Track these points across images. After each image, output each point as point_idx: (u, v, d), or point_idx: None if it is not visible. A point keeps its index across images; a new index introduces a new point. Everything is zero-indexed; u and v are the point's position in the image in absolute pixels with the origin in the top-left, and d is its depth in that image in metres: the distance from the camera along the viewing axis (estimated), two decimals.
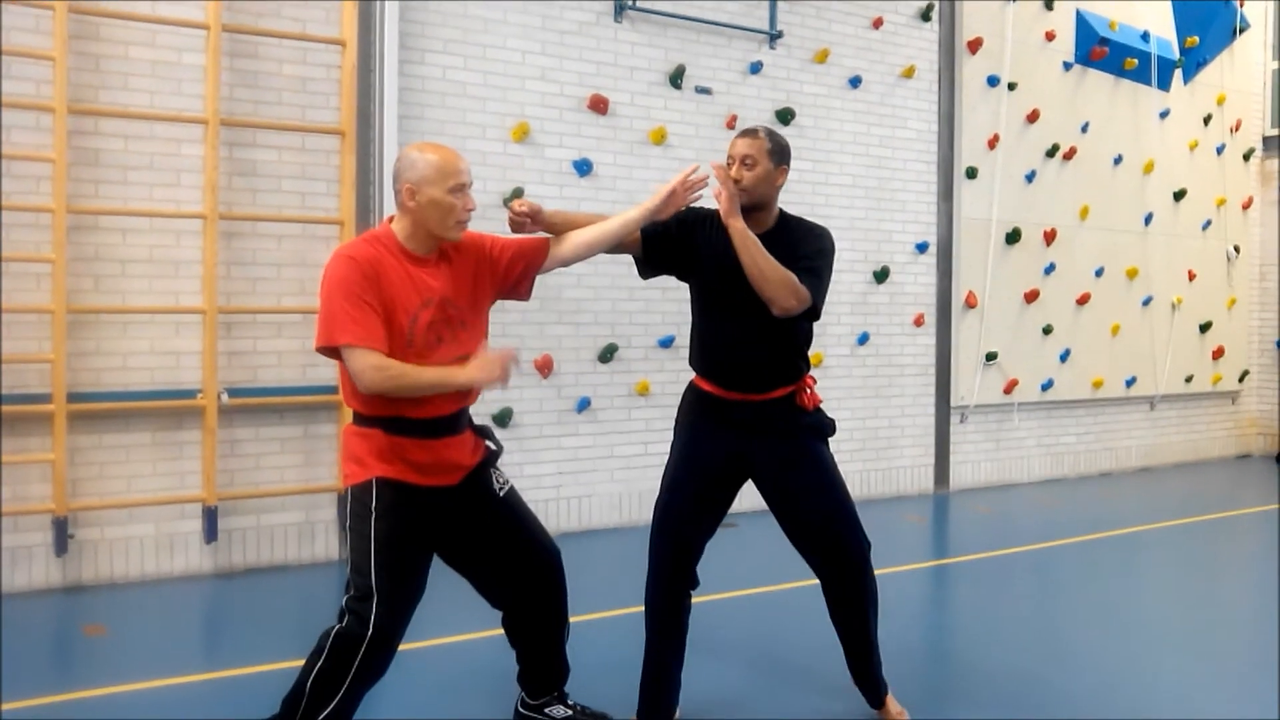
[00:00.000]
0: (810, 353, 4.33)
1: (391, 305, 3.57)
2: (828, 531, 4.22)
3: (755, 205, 4.11)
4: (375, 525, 3.60)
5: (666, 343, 8.26)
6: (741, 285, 3.94)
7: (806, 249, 4.10)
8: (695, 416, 4.30)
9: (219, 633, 5.95)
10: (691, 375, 4.36)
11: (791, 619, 5.77)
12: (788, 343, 4.17)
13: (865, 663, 4.40)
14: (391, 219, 3.75)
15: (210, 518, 6.57)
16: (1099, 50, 10.83)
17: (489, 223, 7.50)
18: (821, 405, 4.31)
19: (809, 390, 4.24)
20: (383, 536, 3.59)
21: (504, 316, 7.58)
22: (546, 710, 4.20)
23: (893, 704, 4.44)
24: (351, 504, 3.65)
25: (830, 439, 4.32)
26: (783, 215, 4.24)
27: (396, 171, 3.67)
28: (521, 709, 4.25)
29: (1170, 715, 4.59)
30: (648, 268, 4.32)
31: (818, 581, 4.32)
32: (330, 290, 3.52)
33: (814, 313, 4.08)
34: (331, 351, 3.55)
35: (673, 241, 4.21)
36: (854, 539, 4.24)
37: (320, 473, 7.01)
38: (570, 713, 4.22)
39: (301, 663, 3.65)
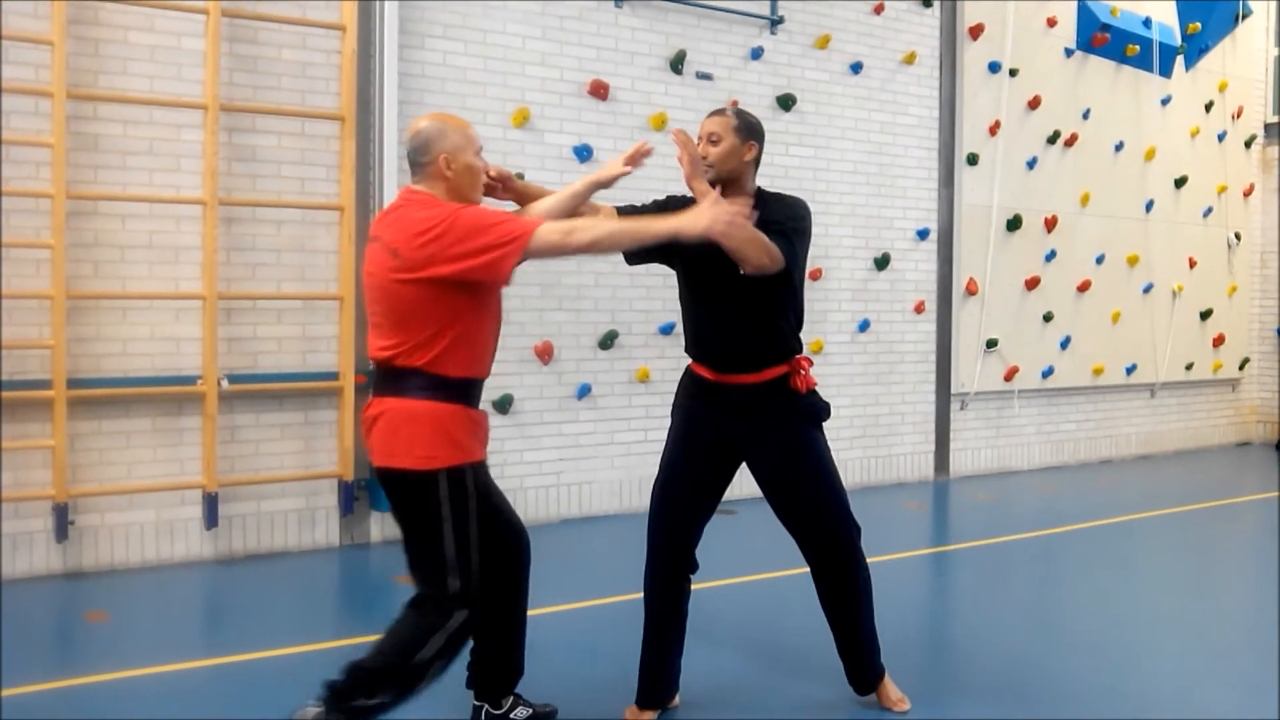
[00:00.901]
0: (810, 339, 4.32)
1: None
2: (816, 519, 4.23)
3: (725, 179, 4.11)
4: (474, 509, 3.63)
5: (667, 329, 8.25)
6: (724, 265, 3.92)
7: (778, 214, 4.06)
8: (689, 401, 4.30)
9: (220, 618, 5.95)
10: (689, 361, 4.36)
11: (791, 605, 5.76)
12: (775, 321, 4.15)
13: (854, 649, 4.40)
14: (414, 191, 3.69)
15: (210, 504, 6.57)
16: (1100, 37, 10.81)
17: (489, 208, 7.50)
18: (816, 387, 4.29)
19: (803, 372, 4.21)
20: (478, 521, 3.65)
21: (505, 304, 7.52)
22: (512, 716, 4.05)
23: (891, 689, 4.44)
24: (449, 488, 3.58)
25: (826, 423, 4.31)
26: (760, 191, 4.22)
27: (424, 143, 3.67)
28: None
29: (1170, 703, 4.59)
30: (633, 256, 4.32)
31: (801, 572, 4.32)
32: (480, 222, 3.50)
33: (787, 274, 4.01)
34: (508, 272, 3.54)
35: None
36: (842, 526, 4.24)
37: (320, 459, 7.00)
38: (533, 710, 4.10)
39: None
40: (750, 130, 4.16)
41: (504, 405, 7.60)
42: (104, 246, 6.36)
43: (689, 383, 4.32)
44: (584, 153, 7.90)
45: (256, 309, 6.81)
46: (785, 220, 4.05)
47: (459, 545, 3.60)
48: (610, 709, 4.31)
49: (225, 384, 6.56)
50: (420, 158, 3.68)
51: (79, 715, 4.31)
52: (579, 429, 8.01)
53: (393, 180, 7.06)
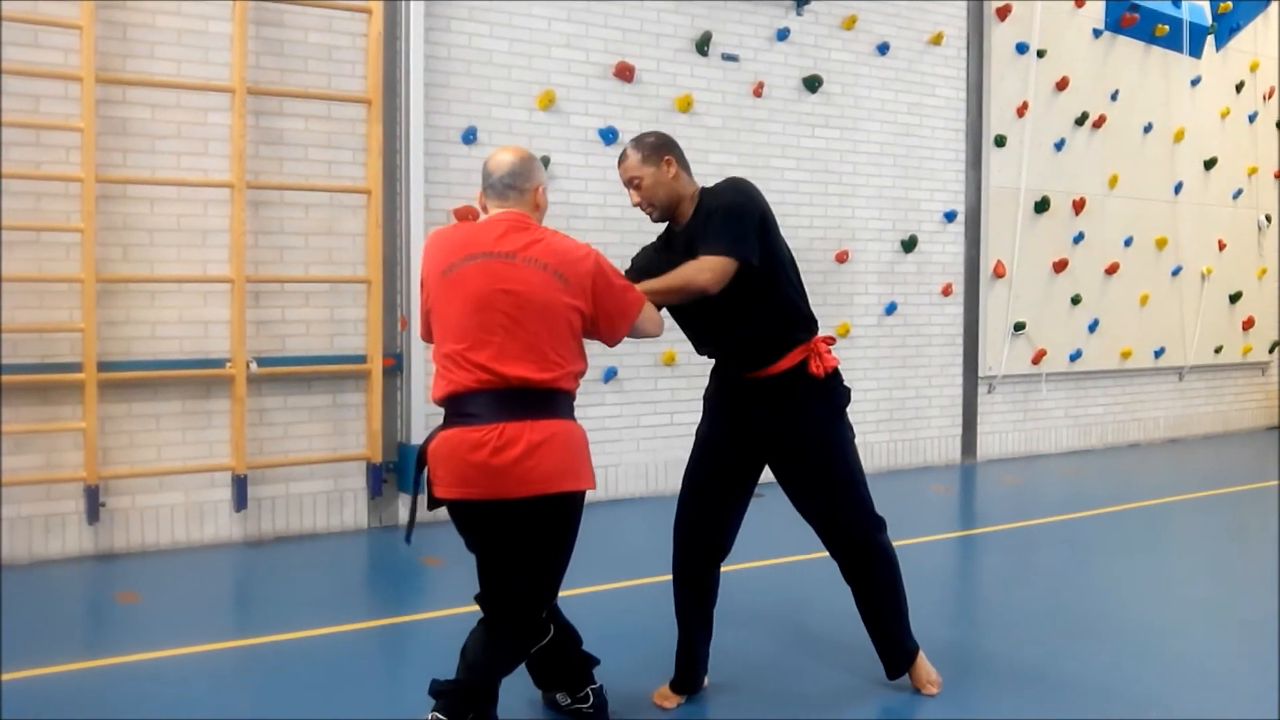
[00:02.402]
0: (837, 322, 4.32)
1: None
2: (834, 518, 4.24)
3: (669, 206, 4.10)
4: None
5: None
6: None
7: (709, 214, 4.00)
8: (717, 394, 4.32)
9: (249, 600, 5.99)
10: None
11: (819, 588, 5.76)
12: (768, 315, 4.09)
13: (883, 635, 4.40)
14: (524, 215, 3.71)
15: (240, 486, 6.60)
16: (1129, 17, 10.71)
17: None
18: (838, 367, 4.22)
19: (821, 355, 4.14)
20: None
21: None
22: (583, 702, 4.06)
23: (924, 670, 4.43)
24: (577, 511, 3.69)
25: (850, 407, 4.29)
26: (700, 195, 4.14)
27: (525, 171, 3.74)
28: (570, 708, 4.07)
29: (1196, 689, 4.57)
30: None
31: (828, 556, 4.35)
32: (612, 272, 3.74)
33: (747, 264, 3.94)
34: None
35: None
36: (860, 522, 4.24)
37: (348, 441, 7.03)
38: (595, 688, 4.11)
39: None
40: (655, 149, 4.07)
41: None
42: (133, 230, 6.39)
43: (716, 377, 4.35)
44: (610, 135, 7.88)
45: (284, 292, 6.84)
46: (715, 214, 3.98)
47: (560, 567, 3.74)
48: (636, 690, 4.32)
49: (254, 367, 6.59)
50: (521, 183, 3.73)
51: (110, 695, 4.34)
52: (605, 412, 8.02)
53: (419, 164, 7.07)
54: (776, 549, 6.45)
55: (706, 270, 3.89)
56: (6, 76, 5.98)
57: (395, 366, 7.14)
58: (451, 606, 5.49)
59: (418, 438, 7.11)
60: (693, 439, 4.38)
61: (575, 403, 3.70)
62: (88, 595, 5.87)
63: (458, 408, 3.56)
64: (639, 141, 4.11)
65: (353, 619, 5.31)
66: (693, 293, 3.91)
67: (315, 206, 6.90)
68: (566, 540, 3.69)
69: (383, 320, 7.00)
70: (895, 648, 4.41)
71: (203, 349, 6.58)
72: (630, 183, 4.08)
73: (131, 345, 6.40)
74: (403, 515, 7.26)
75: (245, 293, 6.58)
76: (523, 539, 3.61)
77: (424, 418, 7.16)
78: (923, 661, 4.45)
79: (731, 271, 3.90)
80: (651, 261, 4.18)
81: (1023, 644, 5.02)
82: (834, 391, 4.20)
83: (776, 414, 4.14)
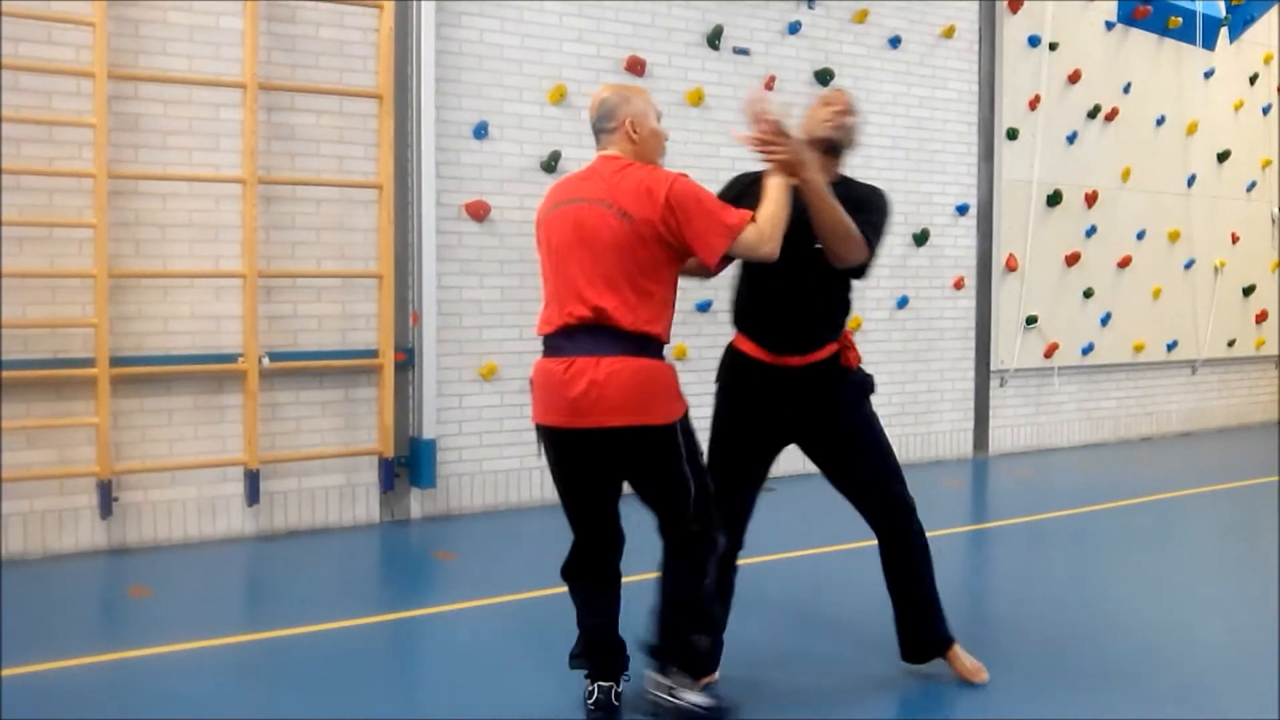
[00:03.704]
0: (850, 315, 4.34)
1: None
2: (880, 489, 4.29)
3: (837, 149, 4.21)
4: (697, 448, 3.92)
5: (704, 307, 8.23)
6: (791, 242, 3.89)
7: (863, 204, 4.10)
8: (736, 383, 4.31)
9: (261, 594, 6.01)
10: (731, 337, 4.36)
11: (832, 580, 5.77)
12: (835, 299, 4.20)
13: (917, 615, 4.42)
14: (610, 157, 3.90)
15: (252, 480, 6.62)
16: (1142, 9, 10.66)
17: (527, 185, 7.52)
18: (862, 363, 4.33)
19: (851, 348, 4.27)
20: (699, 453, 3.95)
21: (537, 280, 7.55)
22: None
23: (966, 659, 4.45)
24: (683, 434, 3.84)
25: (871, 397, 4.35)
26: (843, 179, 4.26)
27: (609, 109, 3.90)
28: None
29: (1210, 681, 4.56)
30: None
31: (854, 546, 4.35)
32: (699, 194, 3.75)
33: (863, 270, 4.15)
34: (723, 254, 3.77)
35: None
36: (903, 492, 4.32)
37: (360, 436, 7.04)
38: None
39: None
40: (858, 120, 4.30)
41: None
42: (145, 225, 6.40)
43: (735, 363, 4.32)
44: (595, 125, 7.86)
45: (296, 287, 6.84)
46: (874, 212, 4.12)
47: (697, 483, 3.89)
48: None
49: (266, 361, 6.60)
50: (606, 123, 3.91)
51: (123, 689, 4.36)
52: None
53: (430, 158, 7.07)
54: (785, 544, 6.45)
55: (857, 246, 3.97)
56: (20, 73, 5.99)
57: (407, 361, 7.15)
58: (464, 600, 5.51)
59: (429, 432, 7.13)
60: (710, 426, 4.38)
61: (658, 341, 3.83)
62: (100, 590, 5.90)
63: (548, 341, 3.87)
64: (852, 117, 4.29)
65: (365, 613, 5.33)
66: (844, 242, 3.94)
67: (327, 201, 6.91)
68: (655, 470, 3.82)
69: (394, 315, 7.01)
70: (929, 628, 4.43)
71: (215, 344, 6.59)
72: (847, 109, 4.23)
73: (144, 340, 6.41)
74: (414, 509, 7.27)
75: (257, 288, 6.59)
76: (605, 469, 3.88)
77: (435, 412, 7.17)
78: (961, 650, 4.46)
79: (858, 261, 4.05)
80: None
81: (1035, 638, 5.02)
82: (863, 378, 4.32)
83: (813, 395, 4.20)
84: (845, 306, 4.28)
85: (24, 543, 6.13)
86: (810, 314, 4.16)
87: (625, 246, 3.71)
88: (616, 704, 4.02)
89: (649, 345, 3.78)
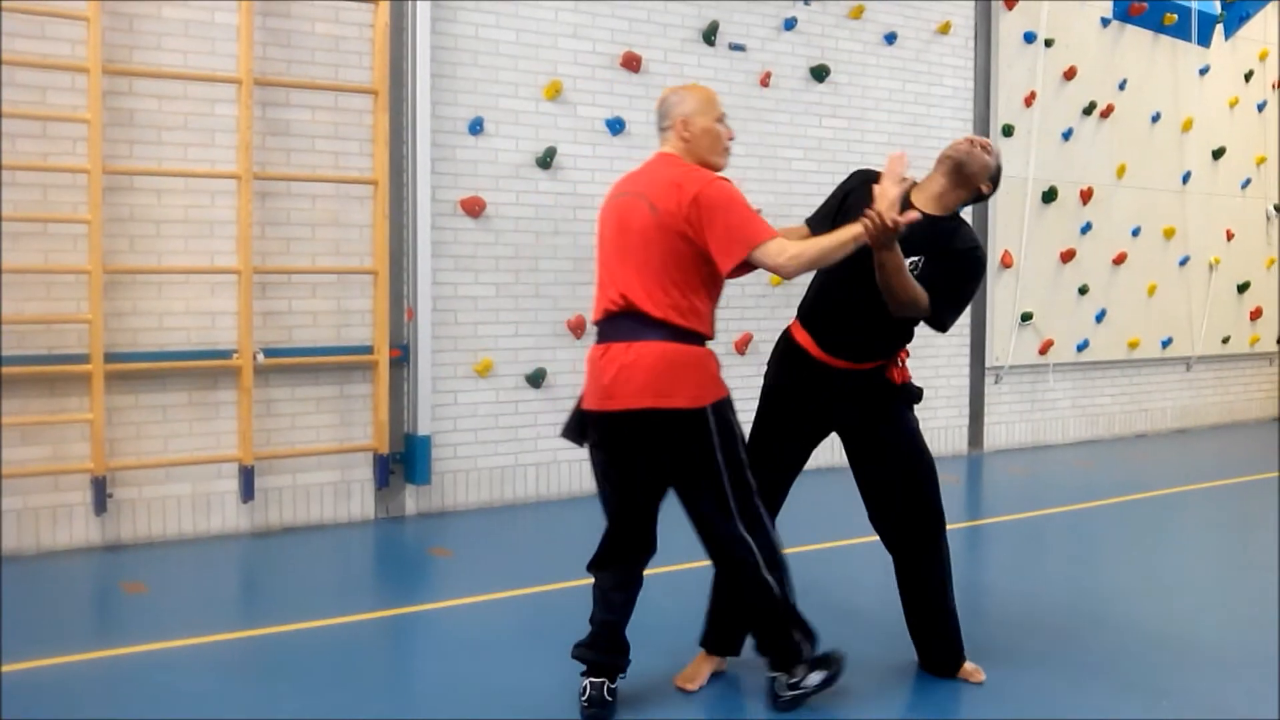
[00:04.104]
0: (909, 342, 4.36)
1: None
2: (909, 489, 4.30)
3: (963, 177, 4.21)
4: (740, 434, 3.94)
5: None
6: (869, 259, 3.92)
7: (962, 268, 4.17)
8: (783, 369, 4.37)
9: (256, 590, 6.01)
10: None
11: (850, 573, 5.77)
12: (896, 324, 4.19)
13: (931, 634, 4.45)
14: (663, 154, 4.01)
15: (247, 477, 6.61)
16: (1138, 6, 10.66)
17: (522, 181, 7.52)
18: (910, 379, 4.37)
19: (900, 364, 4.31)
20: (743, 442, 3.97)
21: (538, 278, 7.57)
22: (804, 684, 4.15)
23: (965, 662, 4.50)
24: (716, 421, 3.85)
25: (916, 405, 4.40)
26: (958, 226, 4.27)
27: (665, 109, 4.02)
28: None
29: (1206, 677, 4.57)
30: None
31: (864, 541, 4.36)
32: (731, 201, 3.80)
33: (940, 327, 4.23)
34: (742, 263, 3.80)
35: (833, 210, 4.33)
36: (933, 499, 4.33)
37: (355, 432, 7.04)
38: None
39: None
40: (998, 175, 4.27)
41: (537, 379, 7.61)
42: (140, 221, 6.39)
43: (787, 349, 4.37)
44: (616, 125, 7.87)
45: (291, 283, 6.83)
46: (958, 283, 4.15)
47: (736, 471, 3.92)
48: (660, 673, 4.33)
49: (261, 358, 6.59)
50: (662, 122, 4.03)
51: (118, 685, 4.35)
52: None
53: (426, 154, 7.06)
54: (805, 536, 6.44)
55: (918, 313, 4.06)
56: (14, 68, 5.98)
57: (402, 358, 7.14)
58: (459, 597, 5.52)
59: (425, 429, 7.12)
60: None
61: (690, 330, 3.84)
62: (95, 586, 5.89)
63: (598, 328, 4.00)
64: (999, 162, 4.29)
65: (360, 610, 5.32)
66: (906, 308, 4.02)
67: (322, 197, 6.90)
68: (684, 454, 3.86)
69: (389, 311, 7.00)
70: (943, 647, 4.46)
71: (210, 340, 6.58)
72: (983, 145, 4.22)
73: (138, 336, 6.40)
74: (409, 506, 7.27)
75: (252, 283, 6.57)
76: (636, 455, 3.95)
77: (431, 408, 7.17)
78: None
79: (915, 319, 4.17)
80: (866, 205, 4.09)
81: (1030, 635, 5.03)
82: (908, 390, 4.34)
83: (858, 400, 4.27)
84: (904, 335, 4.29)
85: (18, 539, 6.12)
86: (867, 331, 4.19)
87: (653, 238, 3.80)
88: (610, 699, 4.03)
89: (681, 333, 3.82)
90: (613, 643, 4.07)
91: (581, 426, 4.10)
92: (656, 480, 4.00)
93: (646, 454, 3.92)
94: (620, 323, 3.87)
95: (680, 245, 3.79)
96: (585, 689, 4.02)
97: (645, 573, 4.13)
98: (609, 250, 3.95)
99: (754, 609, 4.00)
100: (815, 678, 4.05)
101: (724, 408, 3.89)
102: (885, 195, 3.78)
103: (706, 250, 3.79)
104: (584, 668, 4.07)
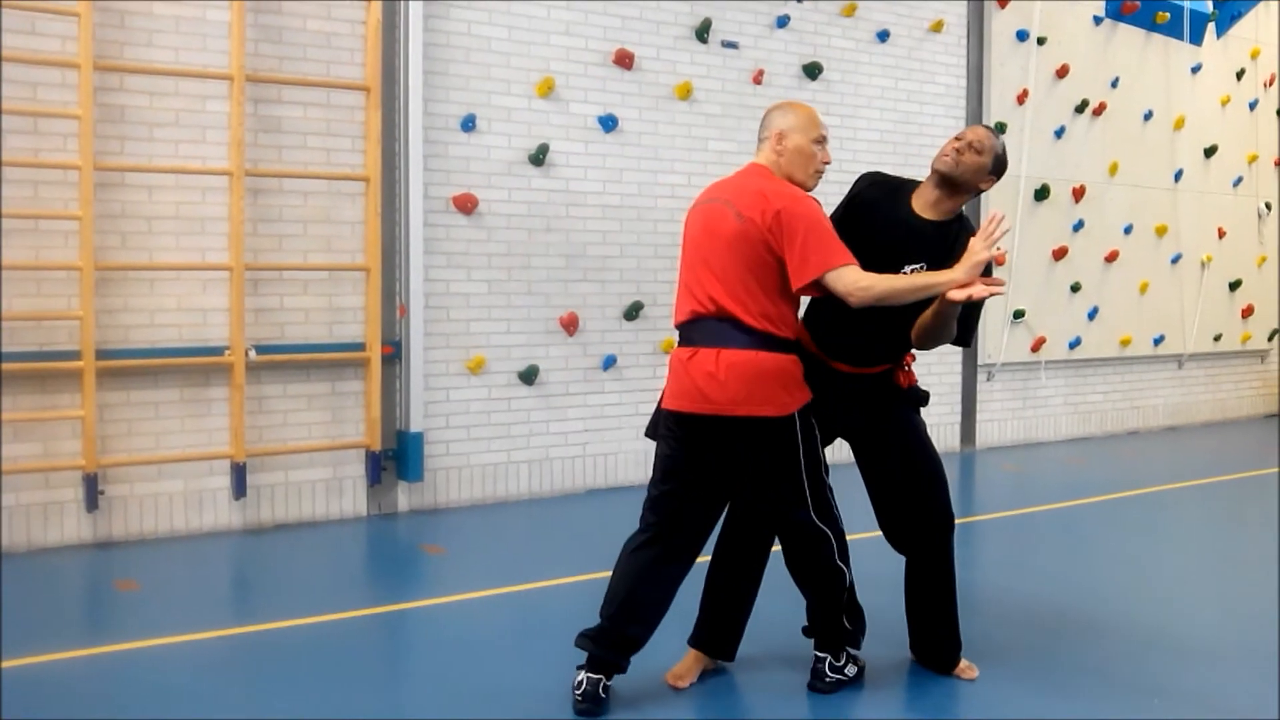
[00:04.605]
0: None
1: None
2: (915, 487, 4.31)
3: (952, 181, 4.15)
4: (817, 450, 4.06)
5: None
6: (881, 266, 3.94)
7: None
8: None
9: (248, 588, 6.00)
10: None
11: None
12: (903, 333, 4.20)
13: (933, 634, 4.47)
14: (756, 165, 4.10)
15: (239, 474, 6.60)
16: (1130, 4, 10.67)
17: (515, 178, 7.52)
18: (916, 382, 4.39)
19: (907, 368, 4.33)
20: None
21: (530, 275, 7.56)
22: (847, 671, 4.33)
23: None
24: (802, 425, 3.97)
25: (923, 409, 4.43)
26: (961, 213, 4.28)
27: (766, 121, 4.11)
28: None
29: (1199, 675, 4.58)
30: None
31: (861, 537, 4.37)
32: (814, 221, 3.86)
33: (964, 346, 4.32)
34: (815, 282, 3.84)
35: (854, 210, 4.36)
36: (942, 501, 4.34)
37: (347, 429, 7.03)
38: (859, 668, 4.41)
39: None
40: (1001, 166, 4.21)
41: (530, 376, 7.61)
42: (131, 218, 6.38)
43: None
44: (609, 122, 7.86)
45: (283, 280, 6.83)
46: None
47: (814, 476, 4.09)
48: (645, 674, 4.32)
49: (253, 354, 6.58)
50: (761, 133, 4.11)
51: (110, 683, 4.34)
52: (604, 400, 8.01)
53: (418, 151, 7.05)
54: None
55: (940, 343, 4.13)
56: (4, 64, 5.96)
57: (394, 354, 7.13)
58: (452, 594, 5.51)
59: (417, 425, 7.12)
60: None
61: (779, 337, 3.92)
62: (87, 583, 5.88)
63: (679, 330, 4.08)
64: (1004, 148, 4.24)
65: (352, 607, 5.32)
66: (929, 342, 4.13)
67: (314, 194, 6.89)
68: (771, 458, 3.95)
69: (381, 308, 6.99)
70: (943, 647, 4.47)
71: (201, 337, 6.57)
72: (974, 146, 4.13)
73: (130, 333, 6.39)
74: (402, 503, 7.27)
75: (244, 280, 6.57)
76: (722, 459, 4.00)
77: (423, 405, 7.16)
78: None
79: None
80: (879, 211, 4.24)
81: (1023, 631, 5.03)
82: (914, 393, 4.38)
83: (864, 403, 4.28)
84: (909, 339, 4.27)
85: (9, 536, 6.10)
86: (872, 335, 4.19)
87: (738, 245, 3.87)
88: (604, 697, 4.03)
89: (770, 340, 3.89)
90: (619, 642, 4.07)
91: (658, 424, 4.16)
92: (727, 485, 4.10)
93: (731, 457, 3.99)
94: (708, 326, 3.93)
95: (764, 254, 3.87)
96: (581, 682, 4.03)
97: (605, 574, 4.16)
98: (695, 255, 4.01)
99: (823, 592, 4.17)
100: (852, 670, 4.30)
101: (808, 412, 4.00)
102: (973, 255, 3.88)
103: (783, 264, 3.86)
104: (583, 659, 4.07)
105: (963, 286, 3.83)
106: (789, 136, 4.03)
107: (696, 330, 3.97)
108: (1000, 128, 9.89)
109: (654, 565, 4.08)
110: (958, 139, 4.16)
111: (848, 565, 4.17)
